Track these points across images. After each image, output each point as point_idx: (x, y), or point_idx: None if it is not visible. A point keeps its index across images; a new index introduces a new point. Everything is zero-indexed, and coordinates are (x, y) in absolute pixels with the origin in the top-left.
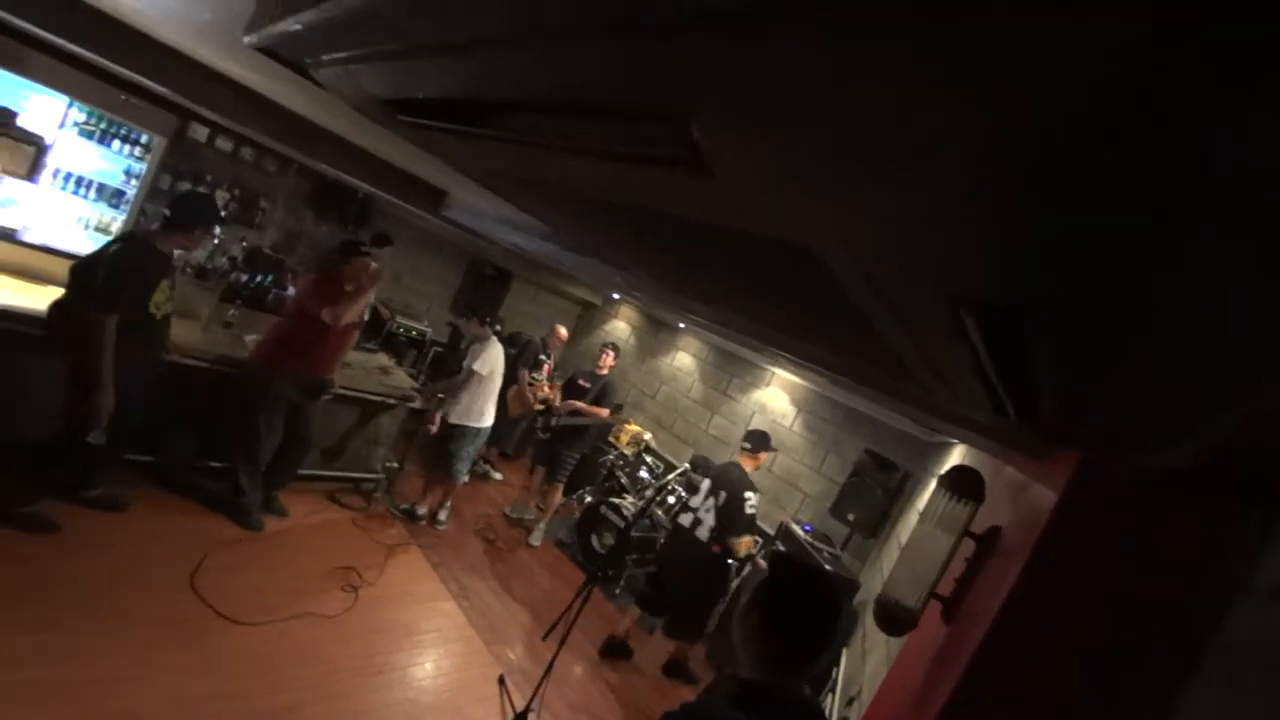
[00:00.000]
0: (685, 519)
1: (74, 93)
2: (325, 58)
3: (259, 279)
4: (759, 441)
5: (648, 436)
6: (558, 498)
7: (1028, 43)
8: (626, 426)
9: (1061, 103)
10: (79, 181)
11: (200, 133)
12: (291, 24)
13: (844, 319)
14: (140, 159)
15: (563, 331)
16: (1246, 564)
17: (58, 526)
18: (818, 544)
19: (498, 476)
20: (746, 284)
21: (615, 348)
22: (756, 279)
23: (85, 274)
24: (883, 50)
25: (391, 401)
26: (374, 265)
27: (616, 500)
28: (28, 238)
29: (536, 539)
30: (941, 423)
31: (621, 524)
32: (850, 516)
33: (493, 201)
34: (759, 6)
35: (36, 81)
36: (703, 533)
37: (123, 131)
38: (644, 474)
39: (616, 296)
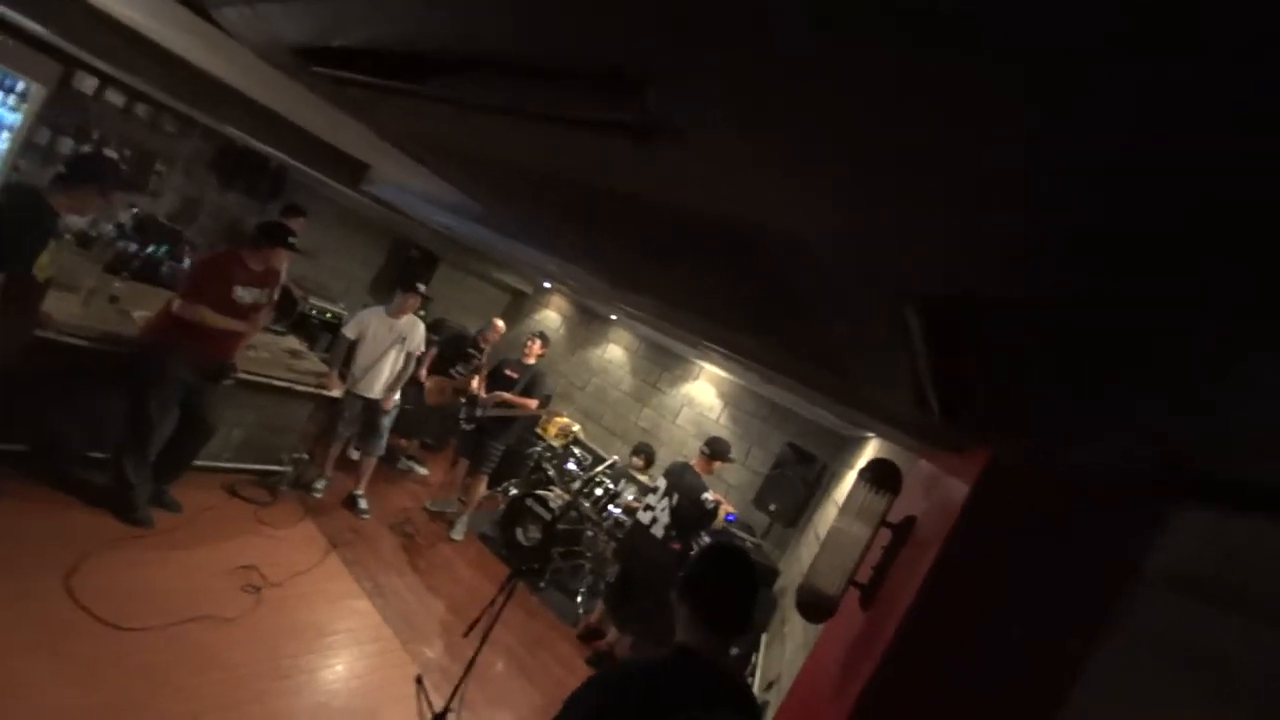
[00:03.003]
0: (644, 516)
1: None
2: None
3: (151, 249)
4: (719, 450)
5: (576, 428)
6: (482, 490)
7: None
8: (555, 418)
9: (1029, 118)
10: None
11: (88, 84)
12: None
13: (783, 305)
14: (15, 109)
15: (500, 326)
16: (1143, 553)
17: None
18: (740, 533)
19: (423, 472)
20: (685, 266)
21: (544, 337)
22: (695, 260)
23: None
24: (871, 50)
25: (300, 389)
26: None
27: (543, 493)
28: None
29: (459, 533)
30: (864, 417)
31: (548, 516)
32: (772, 507)
33: (420, 177)
34: None
35: None
36: (658, 530)
37: None
38: (572, 466)
39: (548, 285)
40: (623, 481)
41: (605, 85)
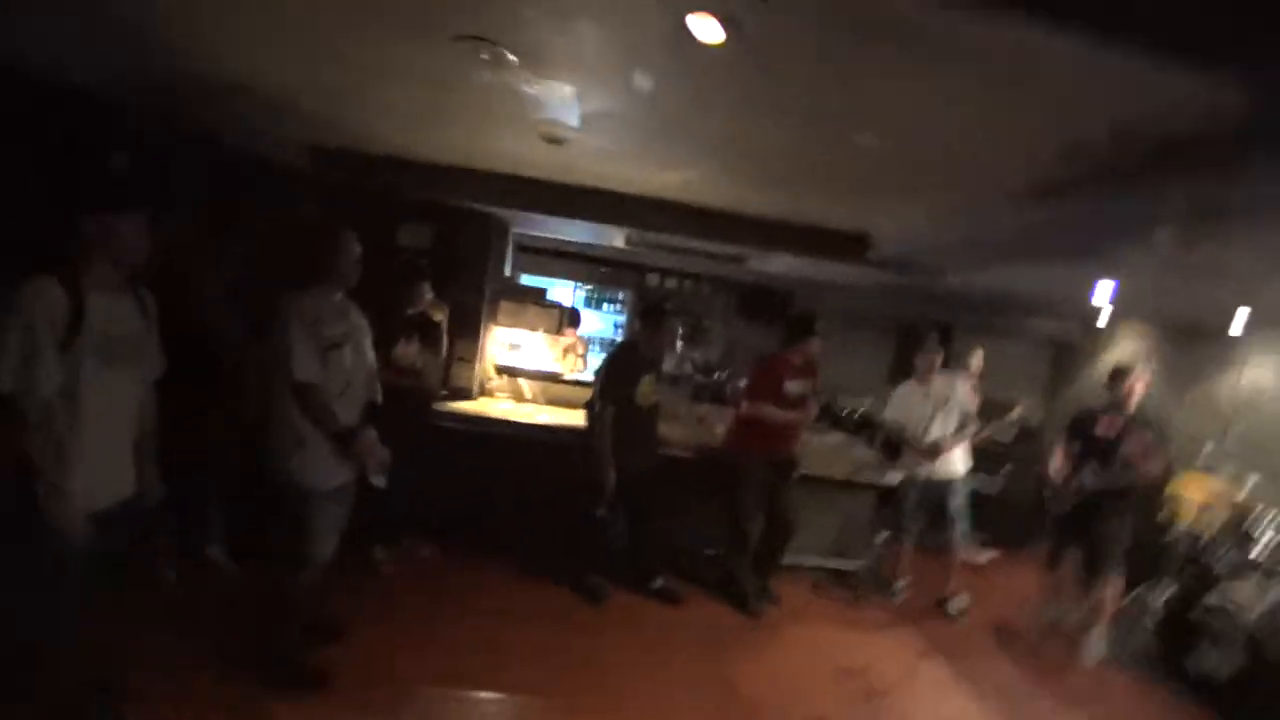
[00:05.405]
0: None
1: (576, 277)
2: None
3: (716, 376)
4: None
5: (1240, 497)
6: (1113, 592)
7: None
8: (1189, 487)
9: None
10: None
11: (653, 279)
12: None
13: None
14: (620, 313)
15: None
16: None
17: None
18: None
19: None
20: None
21: (1134, 370)
22: None
23: (594, 376)
24: None
25: (858, 480)
26: (817, 343)
27: (1213, 599)
28: (565, 377)
29: (1094, 652)
30: None
31: (1235, 633)
32: None
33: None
34: None
35: (556, 278)
36: None
37: (607, 295)
38: (1254, 553)
39: (1101, 325)
40: None
41: None
